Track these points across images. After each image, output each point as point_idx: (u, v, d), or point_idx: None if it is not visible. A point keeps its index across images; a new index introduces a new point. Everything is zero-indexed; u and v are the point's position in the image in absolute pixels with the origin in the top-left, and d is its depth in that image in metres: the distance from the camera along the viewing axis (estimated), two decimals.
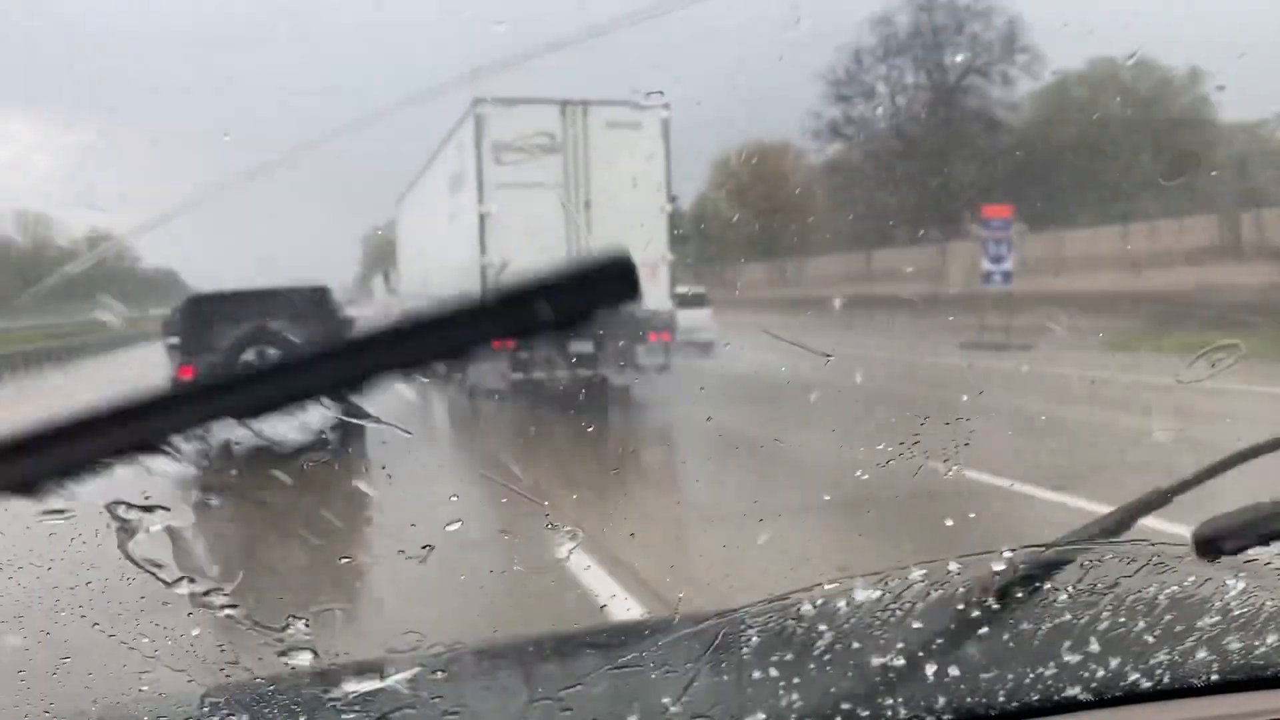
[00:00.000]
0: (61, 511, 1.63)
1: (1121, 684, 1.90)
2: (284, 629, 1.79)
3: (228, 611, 1.76)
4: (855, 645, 2.02)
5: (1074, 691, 1.93)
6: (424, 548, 1.89)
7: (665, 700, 1.95)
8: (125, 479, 1.63)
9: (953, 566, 2.04)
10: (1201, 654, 1.91)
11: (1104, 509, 2.14)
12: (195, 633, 1.72)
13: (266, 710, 1.80)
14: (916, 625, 2.03)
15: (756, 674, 1.98)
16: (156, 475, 1.66)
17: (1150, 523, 2.07)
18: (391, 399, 1.78)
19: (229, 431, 1.68)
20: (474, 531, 1.94)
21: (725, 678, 1.99)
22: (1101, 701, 1.88)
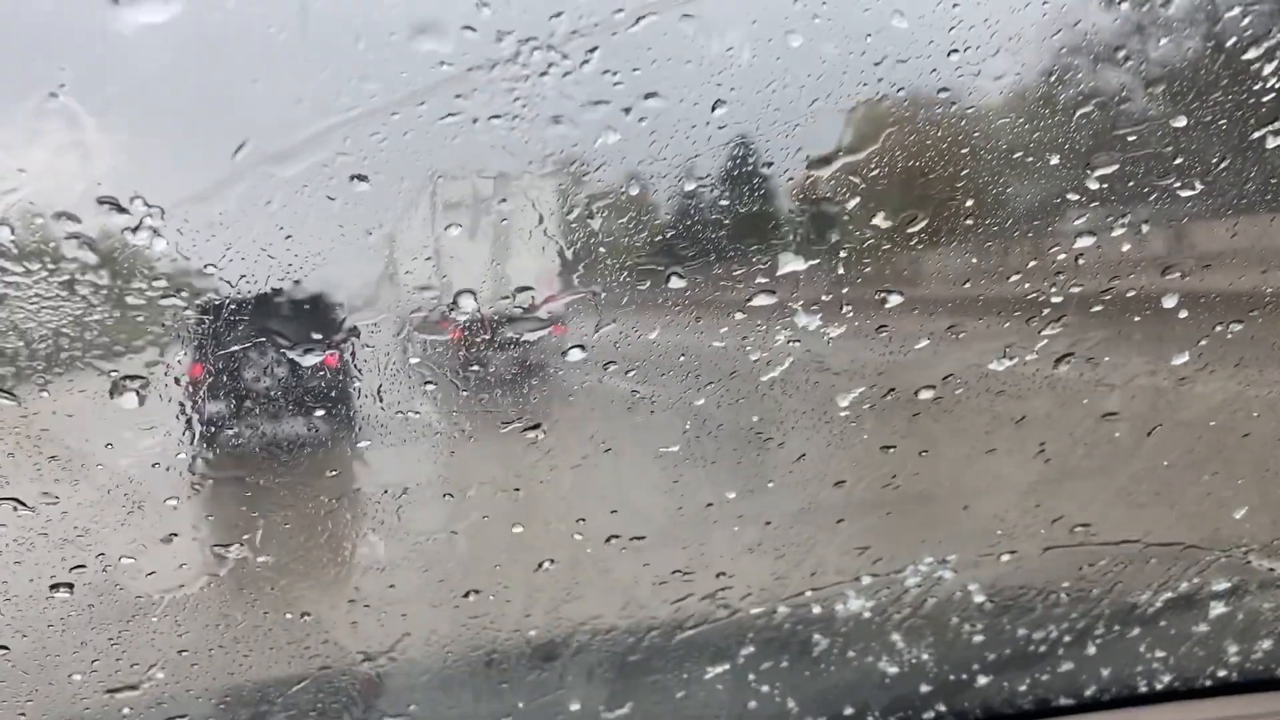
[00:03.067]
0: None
1: (1118, 688, 1.90)
2: (275, 631, 1.78)
3: (219, 614, 1.75)
4: (851, 650, 2.02)
5: (1070, 696, 1.93)
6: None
7: (660, 704, 1.94)
8: (111, 480, 1.63)
9: (946, 574, 2.03)
10: (1198, 657, 1.91)
11: None
12: (183, 636, 1.71)
13: (261, 712, 1.79)
14: (911, 630, 2.03)
15: (752, 678, 1.98)
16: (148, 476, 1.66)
17: (1147, 525, 2.07)
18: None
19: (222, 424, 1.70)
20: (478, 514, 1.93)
21: (721, 682, 1.99)
22: (1097, 704, 1.88)
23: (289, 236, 1.61)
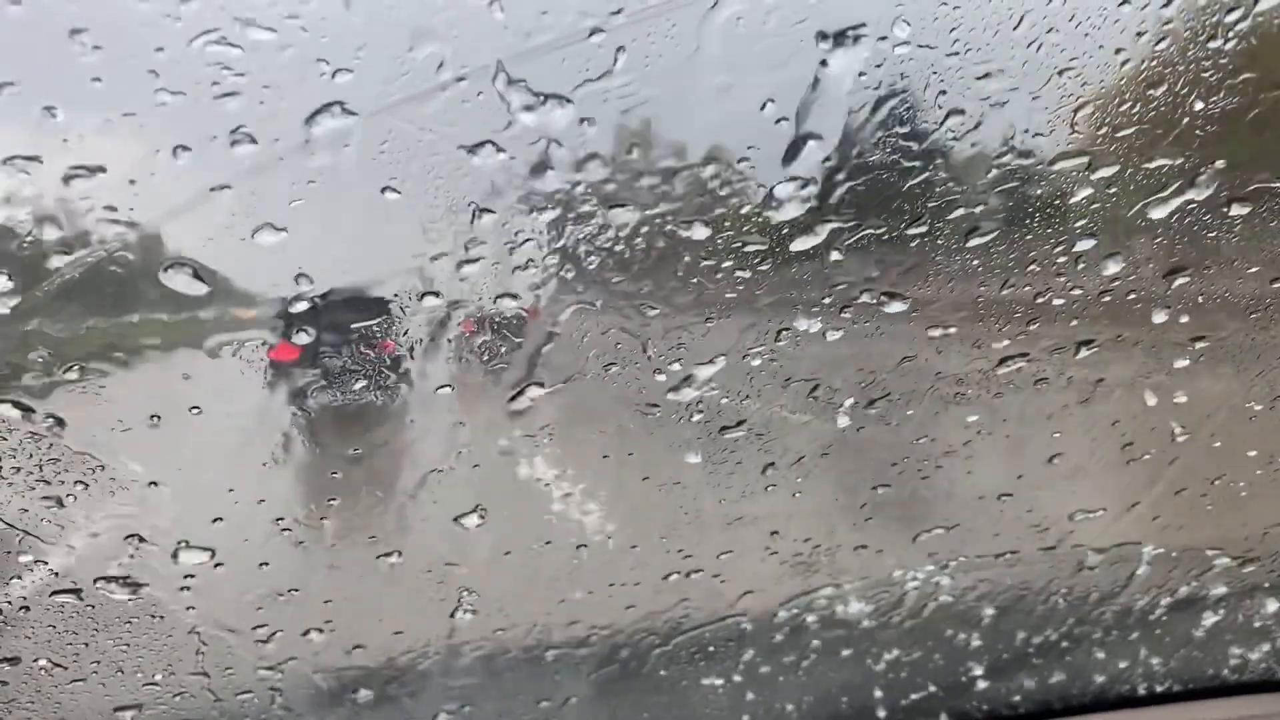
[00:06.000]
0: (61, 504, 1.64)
1: (1118, 689, 1.90)
2: (278, 633, 1.79)
3: (223, 616, 1.75)
4: (850, 653, 2.02)
5: (1070, 698, 1.93)
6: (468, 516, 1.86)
7: (657, 706, 1.94)
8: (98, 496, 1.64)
9: (945, 577, 2.03)
10: (1198, 658, 1.92)
11: None
12: (175, 638, 1.72)
13: (265, 711, 1.79)
14: (911, 633, 2.03)
15: (751, 681, 1.98)
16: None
17: (1146, 527, 2.07)
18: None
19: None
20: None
21: (720, 684, 1.99)
22: (1098, 706, 1.88)
23: (287, 236, 1.60)
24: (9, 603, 1.63)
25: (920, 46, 1.64)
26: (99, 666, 1.70)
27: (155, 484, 1.66)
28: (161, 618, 1.71)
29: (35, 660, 1.67)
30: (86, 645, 1.68)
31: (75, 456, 1.61)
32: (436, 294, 1.74)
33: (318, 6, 1.47)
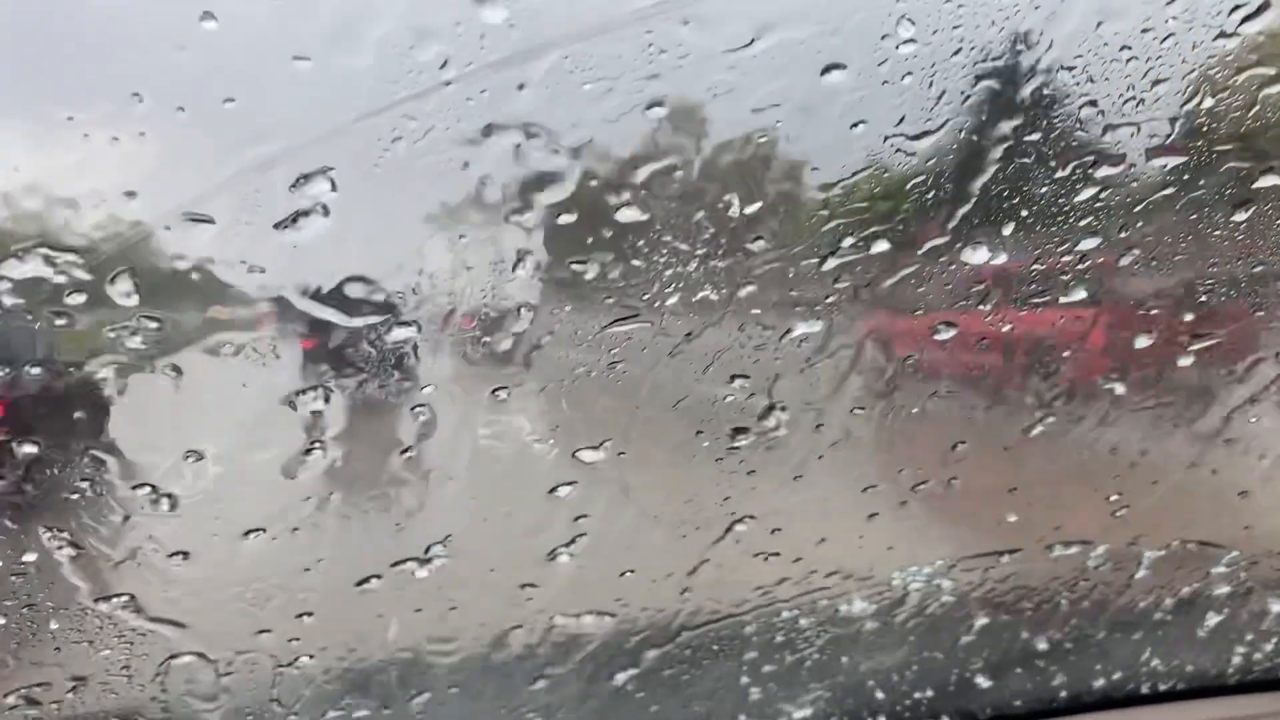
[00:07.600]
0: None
1: (1118, 688, 1.90)
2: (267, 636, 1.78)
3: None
4: (852, 653, 2.02)
5: (1071, 696, 1.93)
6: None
7: (658, 706, 1.94)
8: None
9: (947, 575, 2.03)
10: (1198, 657, 1.92)
11: None
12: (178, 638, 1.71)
13: (264, 710, 1.79)
14: (913, 631, 2.03)
15: (751, 680, 1.98)
16: None
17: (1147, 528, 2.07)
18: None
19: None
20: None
21: (720, 684, 1.99)
22: (1098, 705, 1.89)
23: (291, 234, 1.61)
24: (14, 600, 1.63)
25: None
26: (102, 665, 1.70)
27: (156, 484, 1.66)
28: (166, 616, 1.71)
29: (38, 658, 1.67)
30: (91, 643, 1.68)
31: (78, 455, 1.61)
32: (437, 292, 1.75)
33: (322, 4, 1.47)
